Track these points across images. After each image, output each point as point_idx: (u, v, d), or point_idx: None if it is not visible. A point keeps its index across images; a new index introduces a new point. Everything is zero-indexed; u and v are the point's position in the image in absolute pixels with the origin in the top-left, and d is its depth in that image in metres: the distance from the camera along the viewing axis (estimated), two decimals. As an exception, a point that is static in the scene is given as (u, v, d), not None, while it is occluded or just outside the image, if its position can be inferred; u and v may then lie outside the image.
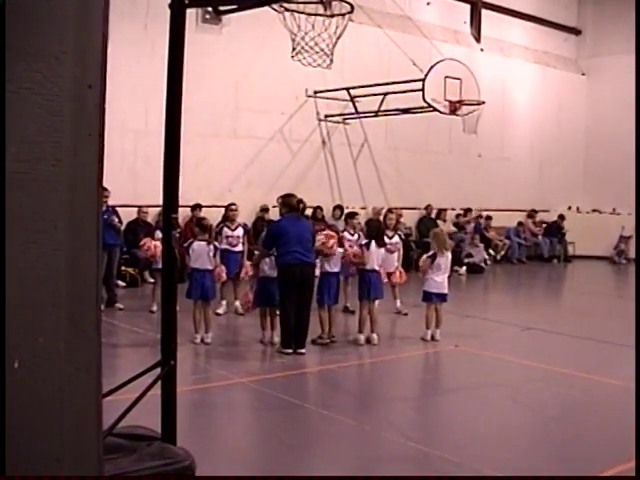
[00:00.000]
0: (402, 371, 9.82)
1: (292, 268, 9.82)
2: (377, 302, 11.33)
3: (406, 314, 12.55)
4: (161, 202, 5.42)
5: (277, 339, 10.23)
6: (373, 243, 10.67)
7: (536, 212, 24.00)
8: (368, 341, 10.54)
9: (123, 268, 14.93)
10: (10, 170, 2.47)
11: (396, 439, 6.59)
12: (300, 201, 10.23)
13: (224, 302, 12.36)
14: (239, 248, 12.28)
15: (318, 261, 10.71)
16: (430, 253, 10.90)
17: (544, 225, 23.98)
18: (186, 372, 8.35)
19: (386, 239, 11.68)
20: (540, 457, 6.21)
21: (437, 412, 7.95)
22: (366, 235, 11.17)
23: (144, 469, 4.58)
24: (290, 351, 9.76)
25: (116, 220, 13.03)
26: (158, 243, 11.31)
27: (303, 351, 9.82)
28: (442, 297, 10.80)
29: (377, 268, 10.69)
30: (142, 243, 12.14)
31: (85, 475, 2.73)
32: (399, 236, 12.75)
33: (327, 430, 7.05)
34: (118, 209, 13.45)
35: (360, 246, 10.96)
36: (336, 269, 10.63)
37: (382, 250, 10.89)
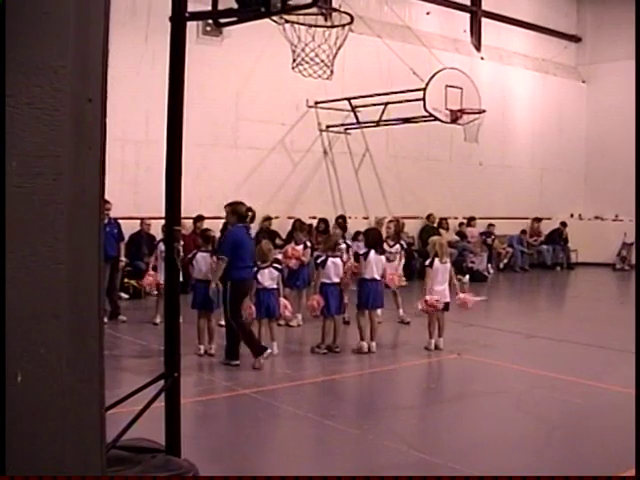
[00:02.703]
0: (405, 380, 9.80)
1: (247, 283, 9.84)
2: (379, 311, 11.38)
3: (408, 323, 12.53)
4: (163, 213, 5.43)
5: (276, 350, 10.26)
6: (372, 252, 10.69)
7: (540, 220, 24.05)
8: (368, 349, 10.56)
9: (126, 280, 14.95)
10: (10, 184, 2.47)
11: (399, 448, 6.58)
12: (249, 209, 10.06)
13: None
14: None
15: (316, 272, 10.80)
16: (427, 262, 10.88)
17: (540, 239, 23.97)
18: (190, 383, 8.35)
19: (387, 247, 11.77)
20: (543, 464, 6.20)
21: (440, 420, 7.93)
22: (365, 244, 11.17)
23: (148, 481, 4.58)
24: (237, 363, 9.70)
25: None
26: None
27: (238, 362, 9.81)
28: (443, 306, 10.80)
29: (377, 277, 10.70)
30: (146, 277, 12.40)
31: (85, 475, 2.73)
32: (401, 245, 12.76)
33: (330, 440, 7.05)
34: (120, 221, 13.44)
35: (358, 255, 10.99)
36: (337, 279, 10.63)
37: (383, 258, 10.90)
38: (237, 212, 9.90)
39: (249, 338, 9.71)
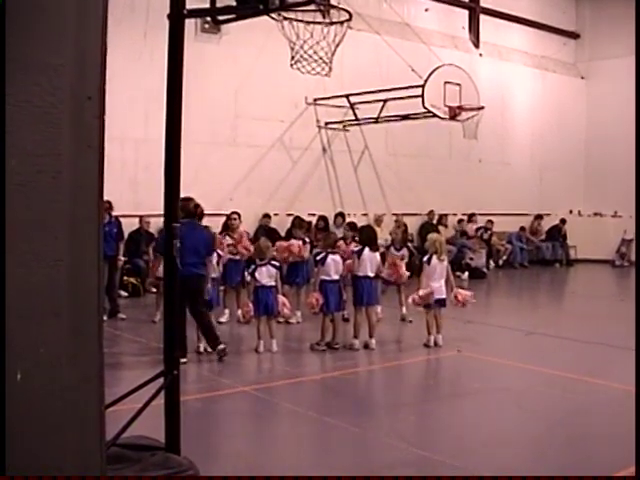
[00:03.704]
0: (405, 377, 9.81)
1: (187, 280, 9.50)
2: (379, 308, 11.42)
3: (410, 321, 12.51)
4: (162, 211, 5.43)
5: (275, 347, 10.27)
6: (367, 250, 10.69)
7: (541, 218, 24.08)
8: (366, 346, 10.57)
9: (125, 278, 14.95)
10: (10, 182, 2.47)
11: (399, 445, 6.58)
12: (197, 206, 10.03)
13: (227, 311, 12.37)
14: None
15: (315, 269, 10.81)
16: (425, 258, 10.91)
17: (540, 237, 23.99)
18: (189, 381, 8.36)
19: (394, 252, 12.15)
20: (544, 462, 6.20)
21: (440, 418, 7.93)
22: (359, 241, 11.15)
23: (148, 479, 4.58)
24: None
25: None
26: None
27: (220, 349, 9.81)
28: (440, 302, 10.81)
29: (371, 275, 10.70)
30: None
31: (85, 475, 2.73)
32: (408, 248, 12.80)
33: (330, 437, 7.04)
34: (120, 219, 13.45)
35: (352, 253, 10.99)
36: (336, 277, 10.64)
37: (377, 256, 10.92)
38: (184, 208, 9.70)
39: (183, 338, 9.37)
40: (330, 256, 10.63)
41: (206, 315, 10.09)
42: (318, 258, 10.79)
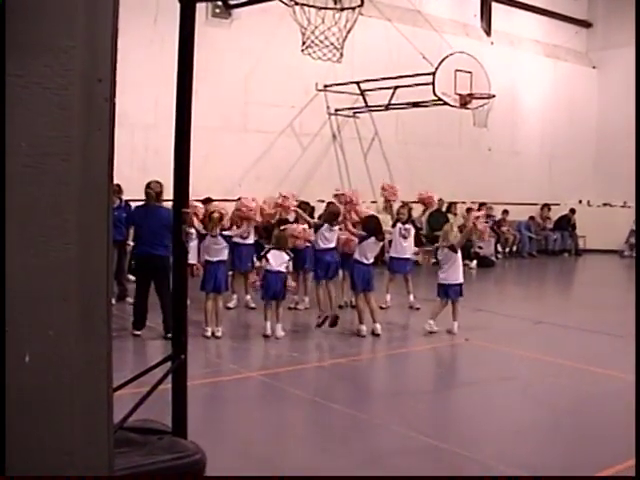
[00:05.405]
0: (412, 365, 9.81)
1: (143, 260, 10.40)
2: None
3: (418, 309, 12.54)
4: (171, 196, 5.43)
5: (281, 332, 10.30)
6: (372, 238, 10.67)
7: (549, 208, 23.98)
8: (373, 332, 10.58)
9: (133, 262, 14.94)
10: (20, 164, 2.47)
11: (406, 432, 6.59)
12: (148, 186, 10.41)
13: (235, 296, 12.39)
14: (250, 241, 12.30)
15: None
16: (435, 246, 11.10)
17: (548, 226, 23.93)
18: (197, 366, 8.37)
19: (400, 225, 12.49)
20: (551, 452, 6.20)
21: (448, 406, 7.94)
22: (363, 229, 11.05)
23: (155, 463, 4.58)
24: (139, 333, 10.20)
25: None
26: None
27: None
28: (455, 290, 10.83)
29: (370, 262, 10.73)
30: None
31: (86, 475, 2.73)
32: (412, 223, 12.96)
33: (337, 423, 7.06)
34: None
35: (359, 238, 10.95)
36: (330, 245, 11.16)
37: (379, 245, 11.00)
38: (145, 192, 10.52)
39: (135, 310, 10.39)
40: (323, 227, 11.03)
41: (169, 299, 10.20)
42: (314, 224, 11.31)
